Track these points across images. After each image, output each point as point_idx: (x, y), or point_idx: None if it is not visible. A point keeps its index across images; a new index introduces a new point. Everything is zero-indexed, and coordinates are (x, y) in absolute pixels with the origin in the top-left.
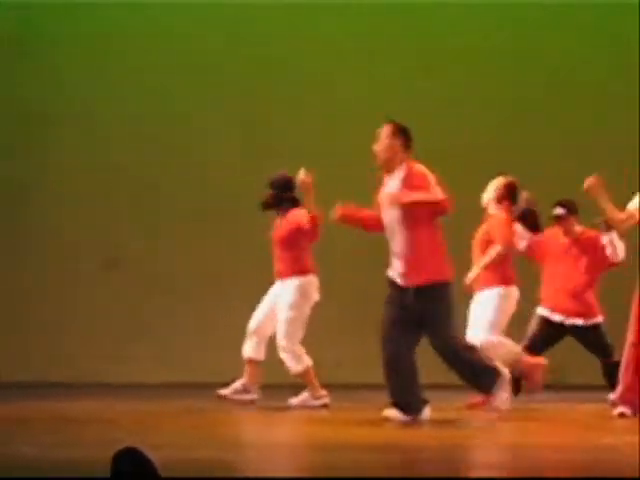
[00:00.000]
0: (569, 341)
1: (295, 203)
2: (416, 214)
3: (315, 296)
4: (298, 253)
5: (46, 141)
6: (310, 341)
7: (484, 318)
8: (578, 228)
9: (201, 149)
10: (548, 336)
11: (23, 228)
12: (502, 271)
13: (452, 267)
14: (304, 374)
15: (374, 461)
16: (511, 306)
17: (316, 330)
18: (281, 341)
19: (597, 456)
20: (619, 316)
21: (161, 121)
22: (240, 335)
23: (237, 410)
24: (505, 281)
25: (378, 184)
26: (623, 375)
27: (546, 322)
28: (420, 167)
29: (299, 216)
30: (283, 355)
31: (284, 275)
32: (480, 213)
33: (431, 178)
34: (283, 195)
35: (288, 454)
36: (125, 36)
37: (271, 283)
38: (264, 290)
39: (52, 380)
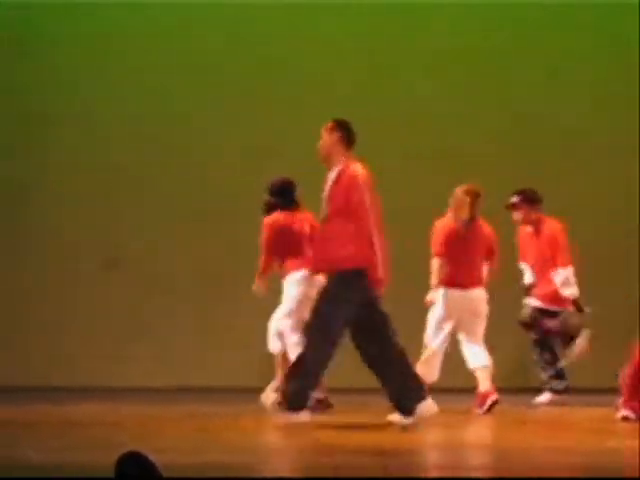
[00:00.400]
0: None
1: (285, 208)
2: (330, 210)
3: (310, 291)
4: (285, 253)
5: (46, 141)
6: None
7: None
8: (534, 216)
9: (201, 149)
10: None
11: (23, 228)
12: (445, 274)
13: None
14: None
15: (371, 465)
16: (450, 306)
17: None
18: (274, 320)
19: (598, 459)
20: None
21: (161, 121)
22: (241, 336)
23: (240, 414)
24: (446, 283)
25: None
26: (625, 383)
27: (538, 312)
28: (354, 169)
29: (266, 220)
30: (271, 332)
31: (283, 274)
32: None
33: (360, 183)
34: (278, 201)
35: (291, 457)
36: (125, 36)
37: (271, 283)
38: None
39: (53, 382)
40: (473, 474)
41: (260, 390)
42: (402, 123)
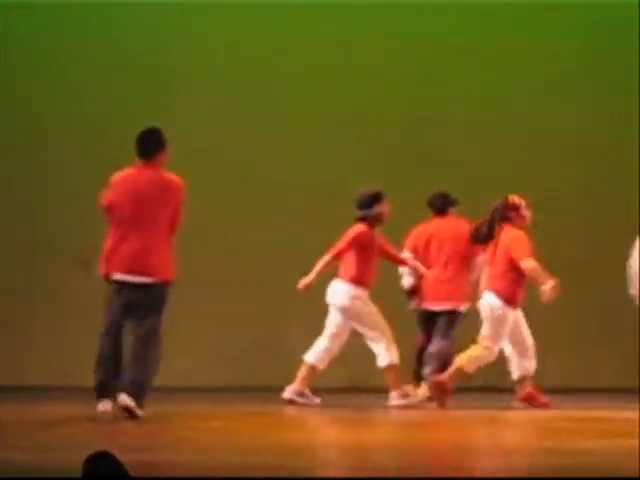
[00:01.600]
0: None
1: (363, 220)
2: None
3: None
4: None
5: (45, 141)
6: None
7: None
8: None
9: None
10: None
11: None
12: None
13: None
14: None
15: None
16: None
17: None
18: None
19: (577, 460)
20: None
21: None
22: (209, 338)
23: (209, 414)
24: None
25: None
26: None
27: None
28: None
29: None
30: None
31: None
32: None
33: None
34: (365, 213)
35: (253, 458)
36: (125, 37)
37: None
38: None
39: (25, 381)
40: (459, 475)
41: (229, 389)
42: (404, 124)
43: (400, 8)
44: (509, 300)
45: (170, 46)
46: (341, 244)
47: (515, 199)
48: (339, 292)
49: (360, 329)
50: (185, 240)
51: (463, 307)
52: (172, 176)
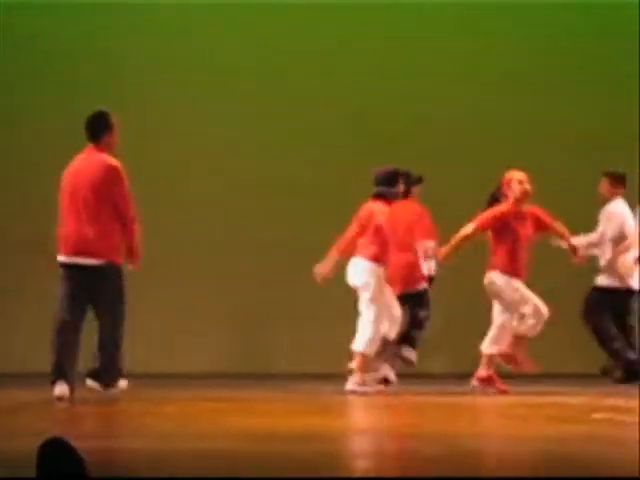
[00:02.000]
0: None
1: (382, 197)
2: None
3: None
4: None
5: (45, 141)
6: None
7: None
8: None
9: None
10: None
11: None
12: None
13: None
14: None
15: (307, 451)
16: None
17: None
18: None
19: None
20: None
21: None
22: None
23: (164, 401)
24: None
25: None
26: None
27: None
28: None
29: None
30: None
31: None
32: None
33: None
34: (384, 190)
35: (213, 446)
36: (126, 37)
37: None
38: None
39: None
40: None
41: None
42: (404, 123)
43: (400, 8)
44: (507, 271)
45: (170, 46)
46: (377, 233)
47: (509, 174)
48: (359, 269)
49: (362, 307)
50: (166, 232)
51: (421, 286)
52: (110, 160)
